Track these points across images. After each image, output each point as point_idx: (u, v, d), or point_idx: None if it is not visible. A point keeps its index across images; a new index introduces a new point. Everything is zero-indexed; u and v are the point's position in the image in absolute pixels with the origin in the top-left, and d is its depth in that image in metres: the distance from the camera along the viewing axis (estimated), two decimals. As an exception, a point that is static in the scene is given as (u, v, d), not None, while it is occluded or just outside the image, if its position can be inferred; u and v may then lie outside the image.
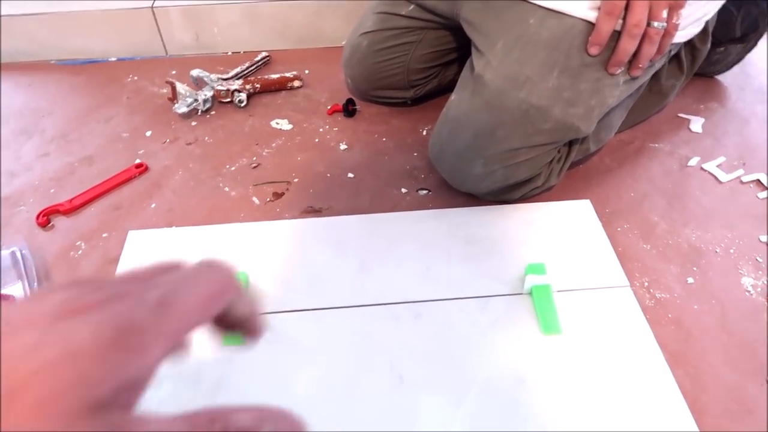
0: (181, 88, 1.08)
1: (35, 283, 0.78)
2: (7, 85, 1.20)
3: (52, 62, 1.27)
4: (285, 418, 0.21)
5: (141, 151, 1.01)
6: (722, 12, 0.87)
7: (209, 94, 1.09)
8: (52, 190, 0.94)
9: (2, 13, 1.20)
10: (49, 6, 1.22)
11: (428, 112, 1.07)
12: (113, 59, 1.27)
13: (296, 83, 1.15)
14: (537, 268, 0.74)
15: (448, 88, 1.07)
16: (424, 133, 1.03)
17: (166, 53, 1.28)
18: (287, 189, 0.92)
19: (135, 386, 0.19)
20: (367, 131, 1.03)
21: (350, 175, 0.94)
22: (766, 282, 0.76)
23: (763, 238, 0.82)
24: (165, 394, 0.64)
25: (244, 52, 1.28)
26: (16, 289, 0.77)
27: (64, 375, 0.16)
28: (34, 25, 1.22)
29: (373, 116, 1.07)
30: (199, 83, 1.13)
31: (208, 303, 0.21)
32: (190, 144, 1.02)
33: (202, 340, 0.25)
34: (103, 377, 0.17)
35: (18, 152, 1.03)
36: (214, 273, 0.22)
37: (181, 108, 1.06)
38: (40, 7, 1.21)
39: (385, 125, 1.05)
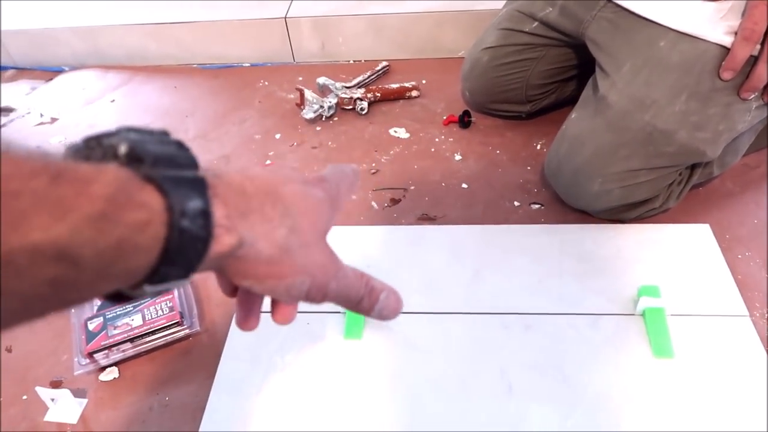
0: (309, 94, 1.16)
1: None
2: (157, 86, 1.34)
3: (194, 66, 1.40)
4: (395, 293, 0.37)
5: (271, 153, 1.10)
6: None
7: (334, 101, 1.17)
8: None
9: (158, 21, 1.35)
10: (197, 15, 1.35)
11: (543, 126, 1.08)
12: (247, 64, 1.38)
13: (414, 93, 1.20)
14: (651, 291, 0.75)
15: (564, 103, 1.09)
16: (538, 147, 1.05)
17: (294, 60, 1.38)
18: (404, 196, 0.97)
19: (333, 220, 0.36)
20: (482, 143, 1.07)
21: (464, 185, 0.98)
22: None
23: None
24: (288, 380, 0.72)
25: (365, 60, 1.35)
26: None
27: (318, 204, 0.34)
28: (183, 32, 1.35)
29: (488, 128, 1.10)
30: (324, 90, 1.21)
31: (352, 191, 0.39)
32: (315, 148, 1.10)
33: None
34: (330, 214, 0.35)
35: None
36: (349, 175, 0.39)
37: (308, 114, 1.15)
38: (189, 15, 1.35)
39: (499, 137, 1.08)
